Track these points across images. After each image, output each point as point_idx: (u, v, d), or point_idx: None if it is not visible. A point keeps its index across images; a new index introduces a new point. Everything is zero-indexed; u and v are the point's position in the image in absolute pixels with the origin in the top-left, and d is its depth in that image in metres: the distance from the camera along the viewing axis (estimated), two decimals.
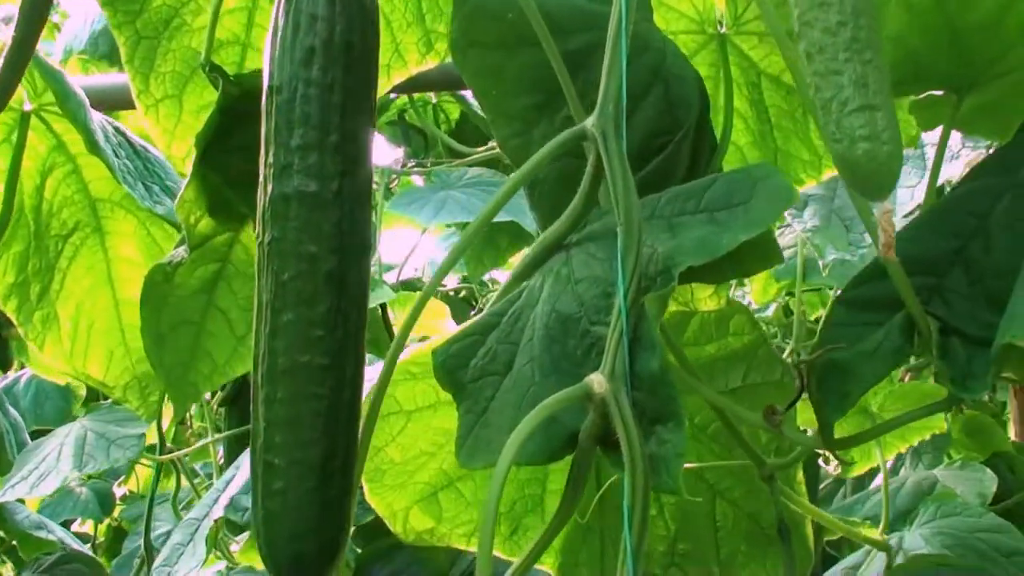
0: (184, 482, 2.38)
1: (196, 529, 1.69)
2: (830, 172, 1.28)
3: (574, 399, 0.82)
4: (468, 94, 2.04)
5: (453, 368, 0.97)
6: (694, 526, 1.28)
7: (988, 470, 1.71)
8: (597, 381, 0.82)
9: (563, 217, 0.92)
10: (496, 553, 1.33)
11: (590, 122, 0.86)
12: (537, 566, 1.36)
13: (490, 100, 1.07)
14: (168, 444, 2.16)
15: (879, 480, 2.01)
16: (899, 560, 1.51)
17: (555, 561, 1.34)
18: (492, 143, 2.05)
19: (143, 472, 3.01)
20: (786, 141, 1.27)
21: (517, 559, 1.35)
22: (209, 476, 2.66)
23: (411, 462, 1.26)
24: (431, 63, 1.31)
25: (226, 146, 1.20)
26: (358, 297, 0.87)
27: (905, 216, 1.65)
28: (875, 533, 1.33)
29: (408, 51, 1.31)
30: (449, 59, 1.31)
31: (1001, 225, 0.89)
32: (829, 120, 0.69)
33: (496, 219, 1.95)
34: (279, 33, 0.87)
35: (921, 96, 0.97)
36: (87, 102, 1.26)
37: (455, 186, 1.97)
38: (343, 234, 0.85)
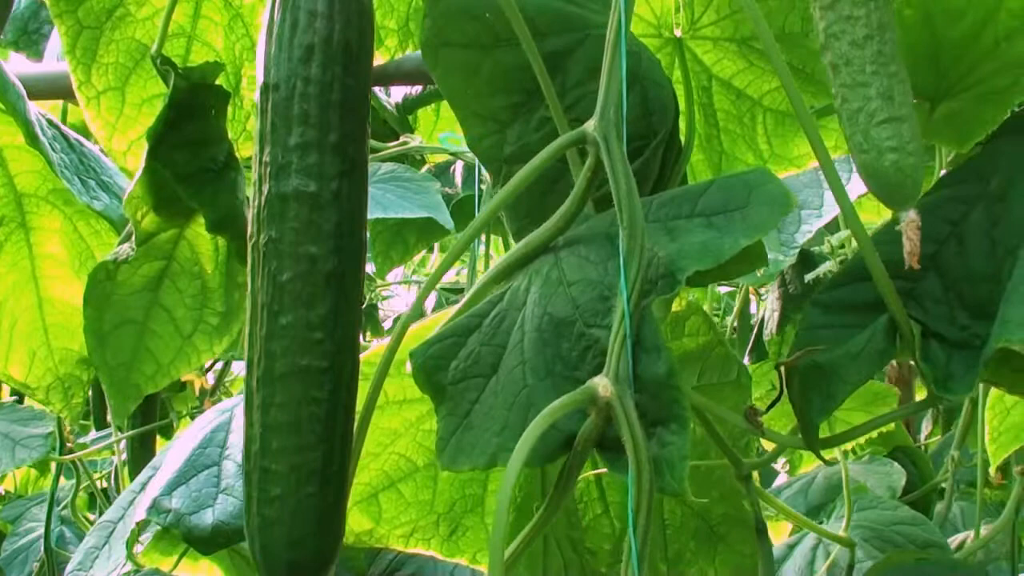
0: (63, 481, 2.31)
1: (111, 532, 1.64)
2: None
3: (579, 402, 0.82)
4: (379, 89, 2.02)
5: (433, 370, 0.96)
6: None
7: (895, 464, 1.77)
8: (602, 384, 0.82)
9: (553, 219, 0.92)
10: (432, 553, 1.33)
11: (591, 126, 0.86)
12: (474, 566, 1.37)
13: (461, 100, 1.07)
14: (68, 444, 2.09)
15: (783, 478, 2.06)
16: (821, 552, 1.55)
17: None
18: (403, 138, 2.04)
19: (19, 471, 2.91)
20: (732, 144, 1.29)
21: (461, 558, 1.35)
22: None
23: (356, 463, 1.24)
24: (379, 60, 1.29)
25: (175, 141, 1.17)
26: (355, 299, 0.86)
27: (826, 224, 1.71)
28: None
29: None
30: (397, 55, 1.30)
31: (976, 232, 0.92)
32: (856, 131, 0.71)
33: (407, 215, 1.95)
34: (276, 29, 0.85)
35: None
36: (25, 93, 1.21)
37: (369, 182, 1.93)
38: (342, 235, 0.84)
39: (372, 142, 2.12)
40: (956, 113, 1.00)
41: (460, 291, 3.34)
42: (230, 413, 1.67)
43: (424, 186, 1.97)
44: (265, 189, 0.84)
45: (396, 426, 1.24)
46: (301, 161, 0.83)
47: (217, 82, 1.20)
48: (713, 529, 1.25)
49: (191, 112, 1.18)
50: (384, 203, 1.88)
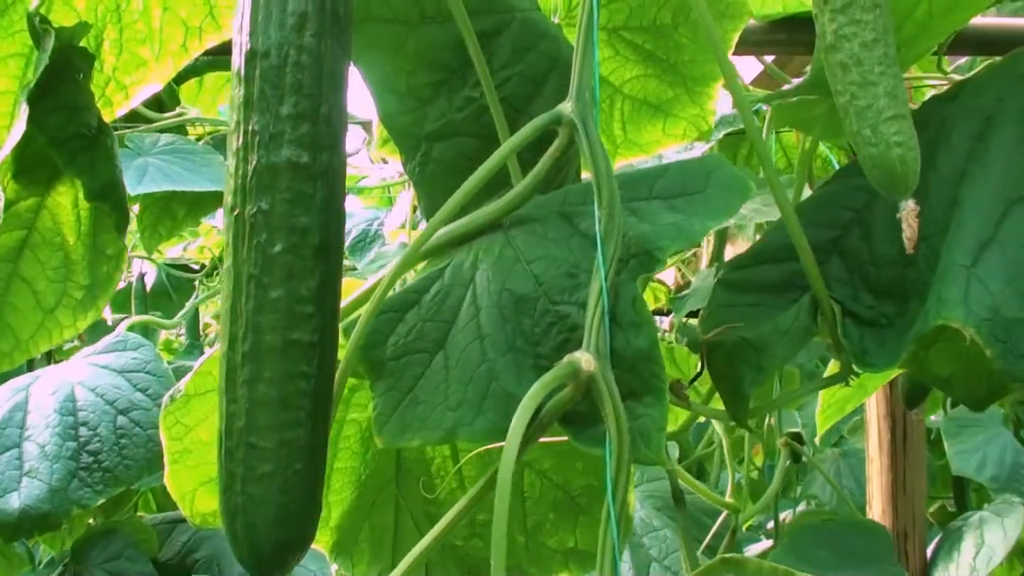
0: None
1: None
2: (621, 161, 1.37)
3: (562, 376, 0.85)
4: None
5: (369, 346, 0.96)
6: None
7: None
8: (584, 359, 0.85)
9: (507, 198, 0.94)
10: None
11: (567, 108, 0.89)
12: (313, 545, 1.36)
13: (379, 75, 1.07)
14: None
15: None
16: None
17: (331, 539, 1.34)
18: (180, 109, 1.97)
19: None
20: None
21: None
22: None
23: (212, 441, 1.22)
24: None
25: (50, 104, 1.11)
26: (339, 273, 0.85)
27: None
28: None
29: (223, 15, 1.25)
30: None
31: (881, 220, 1.01)
32: (864, 126, 0.77)
33: (197, 188, 1.89)
34: None
35: (792, 99, 1.07)
36: None
37: (151, 152, 1.86)
38: (330, 208, 0.83)
39: (148, 112, 2.04)
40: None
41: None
42: (25, 392, 1.58)
43: (208, 158, 1.91)
44: (253, 159, 0.81)
45: None
46: (294, 131, 0.81)
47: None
48: (574, 500, 1.30)
49: (61, 75, 1.12)
50: (172, 175, 1.82)
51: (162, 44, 1.22)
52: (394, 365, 0.96)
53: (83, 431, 1.53)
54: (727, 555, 0.80)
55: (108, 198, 1.11)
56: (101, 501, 1.52)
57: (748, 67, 1.87)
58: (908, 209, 0.76)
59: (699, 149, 1.66)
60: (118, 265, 1.15)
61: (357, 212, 2.84)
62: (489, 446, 1.25)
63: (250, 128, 0.82)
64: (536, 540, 1.31)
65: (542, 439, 1.18)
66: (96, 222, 1.17)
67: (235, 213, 0.82)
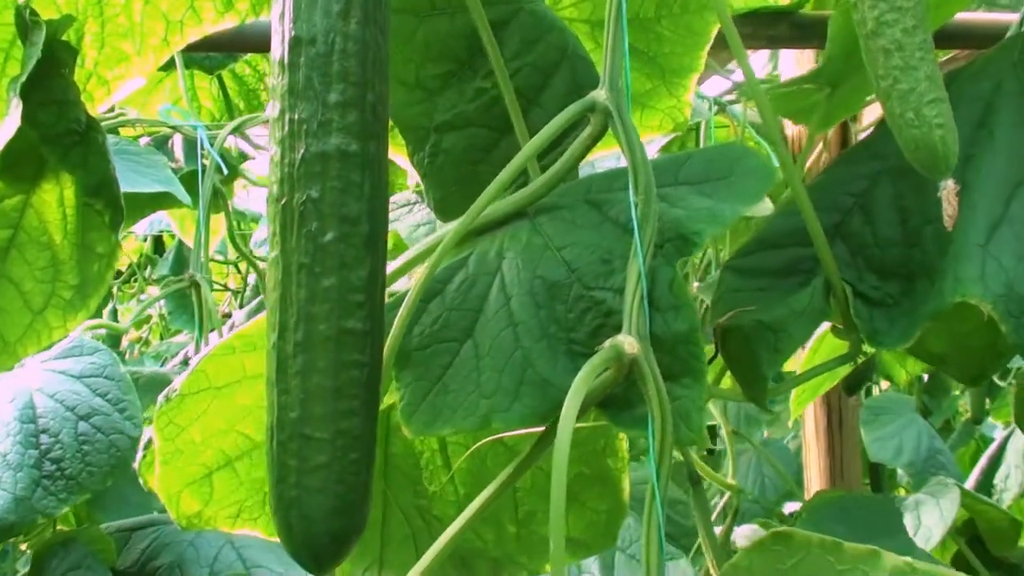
0: None
1: None
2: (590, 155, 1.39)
3: (608, 360, 0.86)
4: None
5: (393, 336, 0.96)
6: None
7: None
8: (628, 342, 0.87)
9: (536, 185, 0.95)
10: (256, 533, 1.31)
11: (601, 95, 0.90)
12: None
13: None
14: None
15: None
16: None
17: None
18: (118, 110, 1.93)
19: None
20: None
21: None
22: None
23: (205, 442, 1.21)
24: (230, 22, 1.24)
25: (40, 99, 1.09)
26: (384, 263, 0.84)
27: None
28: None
29: (204, 7, 1.23)
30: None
31: (883, 204, 1.05)
32: (907, 109, 0.80)
33: (146, 189, 1.86)
34: None
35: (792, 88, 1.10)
36: None
37: None
38: (376, 197, 0.83)
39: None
40: (839, 98, 1.13)
41: None
42: None
43: (153, 160, 1.88)
44: (301, 147, 0.81)
45: (249, 403, 1.21)
46: (343, 119, 0.81)
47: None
48: (567, 489, 1.31)
49: (49, 69, 1.09)
50: (121, 177, 1.77)
51: (143, 38, 1.20)
52: (420, 355, 0.96)
53: (44, 439, 1.49)
54: (777, 529, 0.81)
55: (103, 195, 1.09)
56: (65, 510, 1.49)
57: None
58: (948, 188, 0.80)
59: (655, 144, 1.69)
60: (110, 264, 1.13)
61: None
62: (492, 437, 1.26)
63: (296, 116, 0.81)
64: (528, 529, 1.32)
65: (532, 429, 1.20)
66: (84, 220, 1.14)
67: (282, 202, 0.81)
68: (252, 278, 2.85)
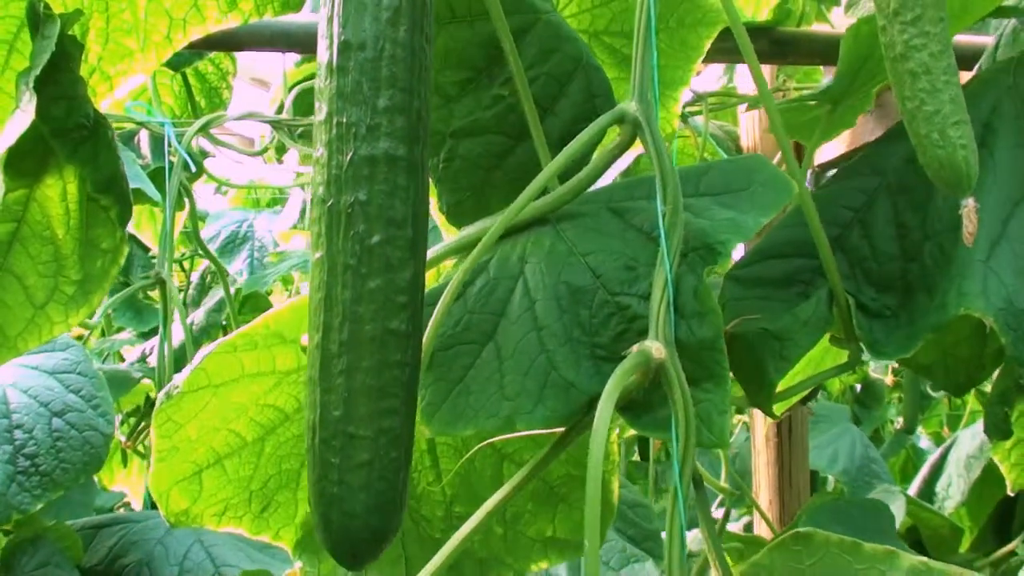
0: None
1: None
2: None
3: (637, 365, 0.89)
4: None
5: None
6: (475, 489, 1.35)
7: None
8: (655, 347, 0.89)
9: (560, 192, 0.97)
10: (241, 531, 1.31)
11: (631, 107, 0.92)
12: (276, 542, 1.36)
13: None
14: None
15: None
16: None
17: (296, 535, 1.34)
18: None
19: None
20: None
21: (265, 535, 1.34)
22: None
23: (199, 440, 1.22)
24: (233, 22, 1.25)
25: (52, 93, 1.08)
26: (424, 265, 0.86)
27: None
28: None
29: (207, 6, 1.24)
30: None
31: (882, 219, 1.09)
32: (932, 130, 0.84)
33: None
34: None
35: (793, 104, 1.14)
36: None
37: None
38: (420, 201, 0.85)
39: None
40: (839, 114, 1.17)
41: None
42: None
43: (124, 156, 1.86)
44: (349, 151, 0.82)
45: (244, 401, 1.22)
46: (391, 124, 0.82)
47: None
48: (553, 490, 1.33)
49: (60, 64, 1.09)
50: None
51: (147, 35, 1.20)
52: (442, 356, 0.98)
53: (18, 434, 1.47)
54: (797, 530, 0.85)
55: (113, 190, 1.09)
56: (39, 506, 1.47)
57: None
58: (969, 206, 0.83)
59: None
60: (115, 260, 1.13)
61: (226, 213, 2.80)
62: (485, 443, 1.27)
63: (344, 120, 0.83)
64: (515, 530, 1.34)
65: (526, 432, 1.22)
66: (89, 215, 1.14)
67: (328, 204, 0.83)
68: (195, 276, 2.83)
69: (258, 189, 2.82)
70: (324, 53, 0.84)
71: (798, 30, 1.48)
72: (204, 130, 1.92)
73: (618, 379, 0.87)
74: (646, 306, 0.92)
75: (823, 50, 1.53)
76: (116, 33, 1.19)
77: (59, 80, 1.08)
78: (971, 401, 3.26)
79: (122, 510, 3.03)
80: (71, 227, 1.15)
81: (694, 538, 2.09)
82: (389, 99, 0.83)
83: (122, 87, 1.21)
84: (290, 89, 2.09)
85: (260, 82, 3.19)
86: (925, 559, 0.82)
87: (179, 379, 1.16)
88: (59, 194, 1.15)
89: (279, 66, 2.39)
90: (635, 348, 0.89)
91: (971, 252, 0.99)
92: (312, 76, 2.22)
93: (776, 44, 1.48)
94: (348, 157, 0.82)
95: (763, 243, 1.12)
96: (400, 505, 0.84)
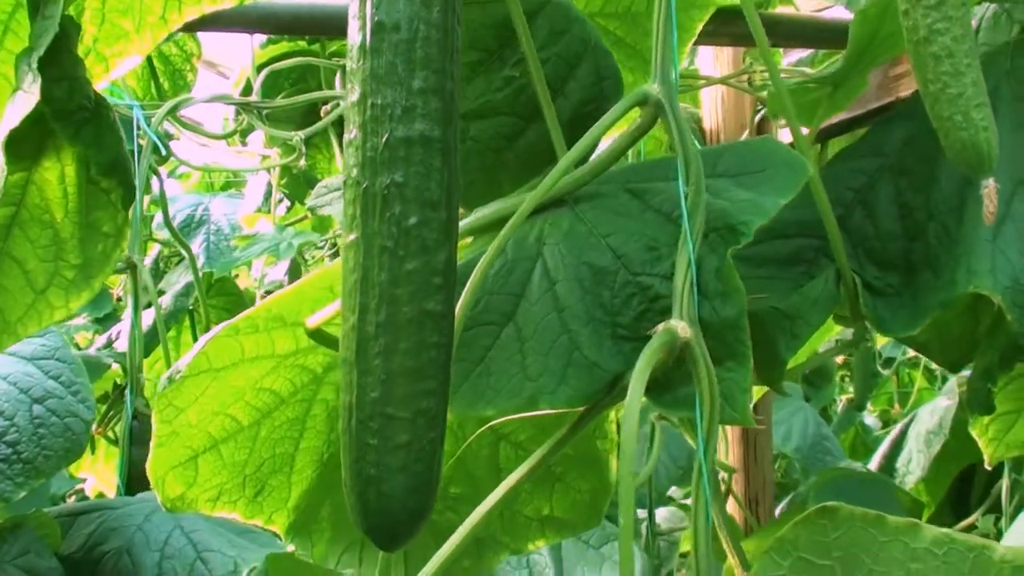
0: None
1: None
2: None
3: (664, 344, 0.90)
4: None
5: None
6: (471, 469, 1.36)
7: None
8: (680, 327, 0.91)
9: (579, 173, 0.98)
10: (235, 516, 1.31)
11: (654, 89, 0.93)
12: (268, 526, 1.35)
13: None
14: None
15: None
16: None
17: (288, 520, 1.34)
18: None
19: None
20: None
21: (258, 519, 1.34)
22: None
23: (199, 424, 1.21)
24: (228, 3, 1.24)
25: (54, 74, 1.07)
26: (456, 245, 0.86)
27: None
28: None
29: None
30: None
31: (884, 200, 1.11)
32: (956, 112, 0.86)
33: None
34: None
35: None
36: None
37: None
38: (453, 183, 0.85)
39: None
40: (839, 96, 1.19)
41: None
42: None
43: None
44: (384, 131, 0.82)
45: (242, 385, 1.21)
46: (426, 105, 0.82)
47: None
48: (550, 469, 1.34)
49: (60, 45, 1.08)
50: None
51: (142, 15, 1.19)
52: (461, 337, 0.98)
53: (0, 421, 1.45)
54: (822, 504, 0.86)
55: (117, 173, 1.08)
56: (23, 494, 1.45)
57: None
58: (990, 187, 0.85)
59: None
60: (117, 243, 1.11)
61: (180, 197, 2.77)
62: (487, 425, 1.28)
63: (379, 101, 0.82)
64: (511, 509, 1.35)
65: (528, 414, 1.22)
66: (89, 198, 1.12)
67: (363, 186, 0.82)
68: (148, 261, 2.80)
69: (213, 173, 2.79)
70: (356, 34, 0.84)
71: (778, 13, 1.50)
72: (172, 113, 1.90)
73: (648, 357, 0.88)
74: (668, 286, 0.93)
75: (803, 32, 1.55)
76: (112, 14, 1.17)
77: (60, 61, 1.06)
78: (919, 379, 3.33)
79: (72, 498, 2.99)
80: (70, 210, 1.13)
81: (664, 516, 2.11)
82: (424, 80, 0.82)
83: (118, 69, 1.20)
84: (259, 70, 2.07)
85: (208, 64, 3.15)
86: (948, 531, 0.84)
87: (182, 363, 1.15)
88: (57, 177, 1.14)
89: (232, 49, 2.36)
90: (660, 327, 0.90)
91: (978, 232, 1.01)
92: (279, 58, 2.21)
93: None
94: (384, 139, 0.82)
95: (767, 223, 1.14)
96: (436, 486, 0.85)
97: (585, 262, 0.95)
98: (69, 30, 1.09)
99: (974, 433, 1.49)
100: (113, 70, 1.19)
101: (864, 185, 1.12)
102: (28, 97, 1.02)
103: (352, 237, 0.83)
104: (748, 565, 1.02)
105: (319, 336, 1.11)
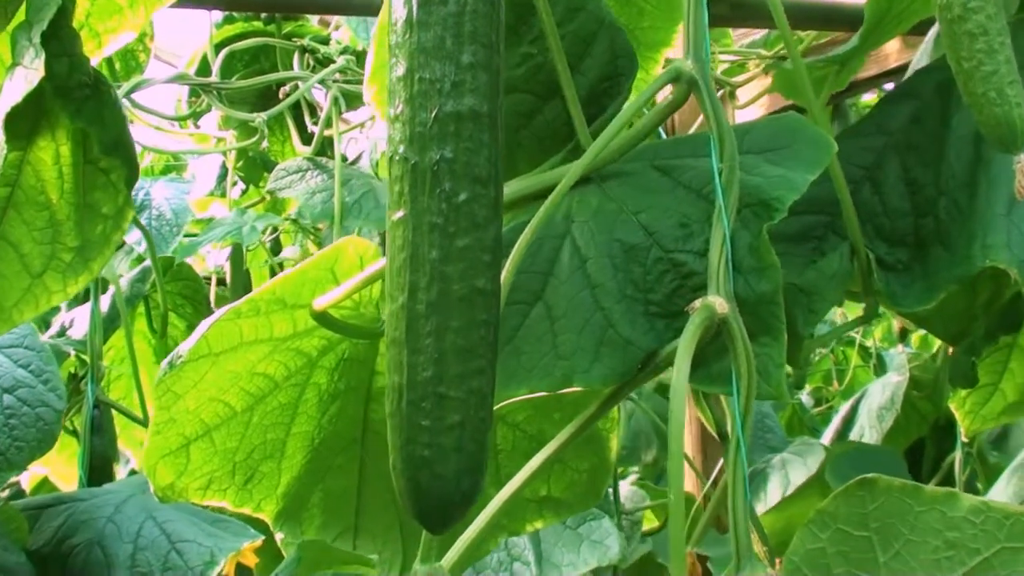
0: None
1: None
2: None
3: (704, 321, 0.90)
4: None
5: None
6: None
7: None
8: (718, 303, 0.91)
9: (607, 151, 0.97)
10: (224, 504, 1.29)
11: (687, 65, 0.93)
12: (256, 514, 1.33)
13: None
14: None
15: None
16: None
17: (277, 507, 1.32)
18: None
19: None
20: None
21: (246, 507, 1.32)
22: None
23: (196, 411, 1.19)
24: None
25: (55, 50, 1.03)
26: (502, 222, 0.85)
27: None
28: None
29: None
30: None
31: (891, 177, 1.12)
32: (990, 88, 0.87)
33: None
34: None
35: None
36: None
37: None
38: (499, 158, 0.84)
39: None
40: (844, 74, 1.20)
41: None
42: None
43: None
44: (433, 106, 0.80)
45: (239, 369, 1.19)
46: (475, 80, 0.81)
47: None
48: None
49: (59, 20, 1.04)
50: None
51: None
52: None
53: None
54: (861, 476, 0.87)
55: (120, 152, 1.05)
56: None
57: None
58: (1022, 162, 0.86)
59: None
60: (118, 225, 1.08)
61: None
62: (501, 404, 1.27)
63: (427, 75, 0.81)
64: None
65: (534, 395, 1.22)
66: (86, 179, 1.09)
67: (412, 162, 0.81)
68: None
69: (152, 158, 2.72)
70: (402, 8, 0.82)
71: None
72: (128, 95, 1.85)
73: (691, 333, 0.88)
74: (701, 262, 0.93)
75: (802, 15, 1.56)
76: None
77: (60, 36, 1.03)
78: (854, 357, 3.39)
79: (6, 492, 2.91)
80: (65, 191, 1.10)
81: (626, 495, 2.12)
82: (472, 55, 0.81)
83: (110, 45, 1.16)
84: (217, 51, 2.02)
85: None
86: (984, 498, 0.85)
87: (183, 348, 1.13)
88: (52, 157, 1.10)
89: (174, 34, 2.31)
90: (697, 303, 0.90)
91: (992, 206, 1.02)
92: (235, 38, 2.16)
93: (736, 8, 1.51)
94: (433, 114, 0.80)
95: None
96: (486, 466, 0.84)
97: (616, 239, 0.95)
98: (67, 5, 1.05)
99: (952, 406, 1.52)
100: (106, 46, 1.15)
101: (871, 163, 1.13)
102: (30, 73, 0.98)
103: (399, 214, 0.82)
104: (767, 539, 1.02)
105: (324, 319, 1.09)
